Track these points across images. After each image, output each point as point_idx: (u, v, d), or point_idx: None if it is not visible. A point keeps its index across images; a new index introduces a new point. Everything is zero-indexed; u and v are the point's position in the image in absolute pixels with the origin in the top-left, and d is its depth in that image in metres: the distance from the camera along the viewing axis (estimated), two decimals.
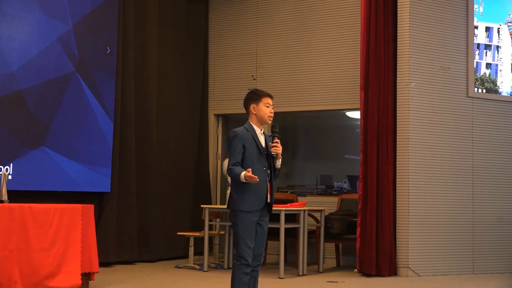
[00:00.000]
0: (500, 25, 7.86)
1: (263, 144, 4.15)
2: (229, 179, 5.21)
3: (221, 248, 8.17)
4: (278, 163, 4.16)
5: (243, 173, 3.94)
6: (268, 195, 4.12)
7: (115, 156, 7.58)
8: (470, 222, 7.42)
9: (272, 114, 4.20)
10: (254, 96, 4.20)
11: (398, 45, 7.36)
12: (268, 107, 4.17)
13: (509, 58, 7.88)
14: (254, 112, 4.17)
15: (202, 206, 7.56)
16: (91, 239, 5.51)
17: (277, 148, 4.09)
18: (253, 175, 3.91)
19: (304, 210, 7.13)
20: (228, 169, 4.06)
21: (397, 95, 7.33)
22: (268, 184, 4.12)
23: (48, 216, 5.18)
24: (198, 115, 9.06)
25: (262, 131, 4.21)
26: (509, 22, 7.90)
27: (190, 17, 9.04)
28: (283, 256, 6.91)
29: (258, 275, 4.17)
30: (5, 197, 5.36)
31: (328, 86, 8.32)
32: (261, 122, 4.18)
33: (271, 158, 4.13)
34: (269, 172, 4.13)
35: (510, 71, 7.88)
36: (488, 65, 7.74)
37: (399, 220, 7.17)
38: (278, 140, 4.11)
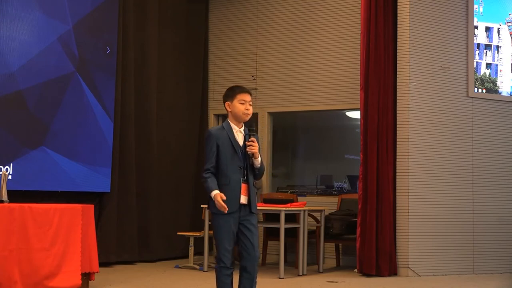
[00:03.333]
0: (500, 25, 7.86)
1: (241, 142, 3.99)
2: None
3: None
4: (257, 162, 4.01)
5: (215, 193, 3.85)
6: (243, 196, 3.95)
7: (115, 156, 7.58)
8: (470, 222, 7.42)
9: (248, 111, 4.00)
10: (230, 93, 4.05)
11: (398, 45, 7.36)
12: (243, 104, 3.98)
13: (509, 58, 7.88)
14: (229, 110, 4.01)
15: (202, 206, 7.56)
16: (91, 239, 5.50)
17: (252, 148, 3.95)
18: (223, 205, 3.82)
19: (304, 210, 7.12)
20: (202, 176, 3.95)
21: (397, 95, 7.33)
22: (243, 184, 3.96)
23: (48, 216, 5.18)
24: (198, 115, 9.06)
25: (242, 128, 4.03)
26: (509, 22, 7.90)
27: (190, 17, 9.04)
28: (283, 256, 6.91)
29: (255, 276, 4.05)
30: (5, 197, 5.36)
31: (328, 86, 8.32)
32: (237, 120, 4.01)
33: (247, 157, 4.00)
34: (245, 172, 3.99)
35: (510, 71, 7.88)
36: (488, 65, 7.74)
37: (399, 220, 7.17)
38: (254, 139, 3.97)
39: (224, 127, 4.02)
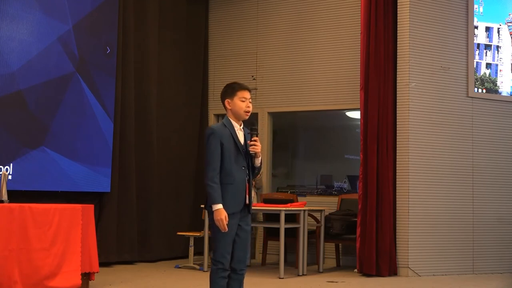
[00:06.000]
0: (500, 25, 7.86)
1: (242, 141, 3.89)
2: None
3: None
4: (258, 161, 3.93)
5: (221, 209, 3.74)
6: (247, 196, 3.88)
7: (115, 156, 7.58)
8: (470, 222, 7.42)
9: (249, 109, 3.91)
10: (229, 90, 3.92)
11: (398, 45, 7.36)
12: (243, 101, 3.88)
13: (509, 58, 7.88)
14: (229, 107, 3.90)
15: (202, 206, 7.56)
16: (91, 239, 5.51)
17: (256, 147, 3.88)
18: (225, 226, 3.74)
19: (304, 210, 7.12)
20: (210, 180, 3.78)
21: (397, 95, 7.33)
22: (247, 184, 3.88)
23: (48, 216, 5.18)
24: (198, 115, 9.06)
25: (242, 127, 3.93)
26: (509, 22, 7.90)
27: (190, 17, 9.03)
28: (283, 256, 6.91)
29: (243, 278, 3.97)
30: (5, 197, 5.36)
31: (328, 86, 8.32)
32: (237, 118, 3.90)
33: (249, 156, 3.92)
34: (247, 171, 3.91)
35: (510, 71, 7.88)
36: (488, 65, 7.74)
37: (399, 220, 7.17)
38: (257, 138, 3.90)
39: (226, 125, 3.90)
